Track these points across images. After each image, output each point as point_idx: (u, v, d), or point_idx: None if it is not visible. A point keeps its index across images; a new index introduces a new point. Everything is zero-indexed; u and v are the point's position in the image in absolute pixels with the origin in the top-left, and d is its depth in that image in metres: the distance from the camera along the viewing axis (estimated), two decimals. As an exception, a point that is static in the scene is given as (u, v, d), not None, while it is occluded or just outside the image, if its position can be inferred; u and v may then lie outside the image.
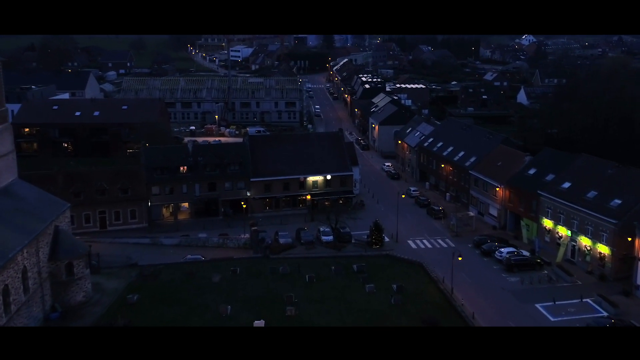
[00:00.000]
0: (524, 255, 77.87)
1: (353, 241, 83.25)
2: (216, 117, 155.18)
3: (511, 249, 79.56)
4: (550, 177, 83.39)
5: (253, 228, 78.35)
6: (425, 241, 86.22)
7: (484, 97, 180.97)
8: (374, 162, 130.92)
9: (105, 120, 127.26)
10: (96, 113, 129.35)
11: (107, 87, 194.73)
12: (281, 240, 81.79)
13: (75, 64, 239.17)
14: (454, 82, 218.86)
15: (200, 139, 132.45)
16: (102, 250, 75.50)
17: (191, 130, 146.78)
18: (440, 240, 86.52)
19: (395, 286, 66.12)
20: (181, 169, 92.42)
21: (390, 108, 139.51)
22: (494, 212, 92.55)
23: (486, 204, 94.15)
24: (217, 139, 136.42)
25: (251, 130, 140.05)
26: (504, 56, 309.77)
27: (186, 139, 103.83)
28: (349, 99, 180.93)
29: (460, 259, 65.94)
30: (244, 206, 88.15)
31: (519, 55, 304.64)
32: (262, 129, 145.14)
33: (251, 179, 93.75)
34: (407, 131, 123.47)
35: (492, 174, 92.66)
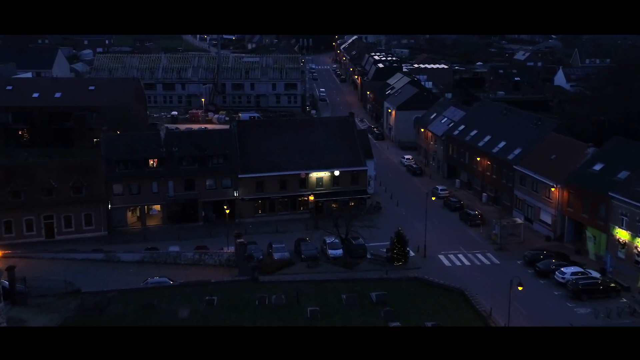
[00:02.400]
0: (594, 277, 63.41)
1: (369, 256, 70.05)
2: (202, 100, 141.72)
3: (576, 269, 65.16)
4: (623, 174, 68.87)
5: (238, 241, 63.93)
6: (461, 256, 72.44)
7: (516, 79, 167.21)
8: (391, 154, 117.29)
9: (68, 103, 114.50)
10: (58, 95, 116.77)
11: (80, 67, 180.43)
12: (275, 255, 68.54)
13: (47, 41, 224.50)
14: (479, 63, 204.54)
15: (183, 126, 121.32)
16: (38, 270, 61.29)
17: (173, 116, 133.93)
18: (479, 255, 72.60)
19: (429, 325, 51.55)
20: (150, 162, 79.50)
21: (410, 90, 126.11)
22: (546, 218, 78.14)
23: (536, 208, 79.74)
24: (203, 126, 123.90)
25: (244, 116, 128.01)
26: (532, 35, 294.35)
27: (165, 127, 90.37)
28: (359, 81, 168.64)
29: (520, 289, 51.21)
30: (227, 212, 73.72)
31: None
32: (257, 114, 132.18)
33: (239, 176, 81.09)
34: (432, 117, 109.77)
35: (544, 170, 78.29)
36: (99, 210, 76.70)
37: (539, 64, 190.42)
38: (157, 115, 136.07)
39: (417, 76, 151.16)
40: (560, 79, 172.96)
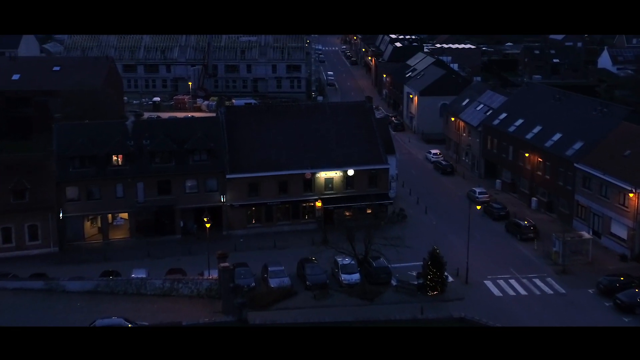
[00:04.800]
0: (698, 316, 50.43)
1: (394, 283, 57.96)
2: (190, 84, 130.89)
3: (672, 303, 52.15)
4: None
5: (223, 265, 51.14)
6: (513, 282, 60.16)
7: (554, 61, 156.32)
8: (413, 148, 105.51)
9: (27, 86, 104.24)
10: (16, 77, 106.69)
11: (54, 47, 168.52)
12: (272, 282, 56.43)
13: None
14: (509, 43, 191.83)
15: (166, 115, 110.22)
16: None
17: (155, 102, 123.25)
18: (537, 281, 60.32)
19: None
20: (115, 158, 68.43)
21: (435, 72, 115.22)
22: (620, 231, 65.20)
23: (606, 218, 66.95)
24: (190, 114, 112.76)
25: (238, 102, 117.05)
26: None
27: (134, 114, 79.69)
28: (373, 62, 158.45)
29: None
30: (208, 225, 60.64)
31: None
32: (253, 101, 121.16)
33: (228, 176, 70.29)
34: (463, 103, 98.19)
35: (617, 170, 65.60)
36: (47, 221, 65.39)
37: (579, 44, 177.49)
38: (137, 102, 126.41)
39: (441, 57, 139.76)
40: (605, 61, 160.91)
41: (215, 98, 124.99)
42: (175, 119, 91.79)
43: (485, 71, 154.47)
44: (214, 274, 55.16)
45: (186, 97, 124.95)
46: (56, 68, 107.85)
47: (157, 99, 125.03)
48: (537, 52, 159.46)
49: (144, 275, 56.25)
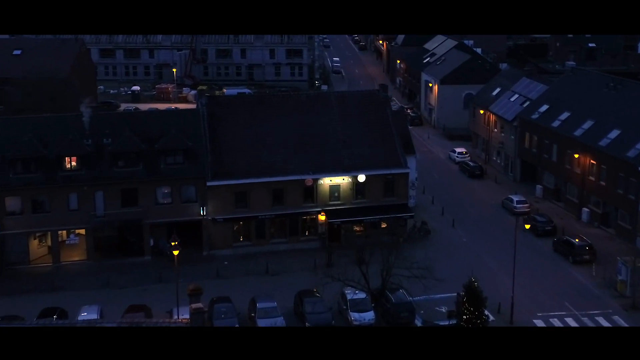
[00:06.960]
0: None
1: (419, 324, 49.84)
2: (174, 70, 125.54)
3: None
4: None
5: (195, 307, 41.01)
6: (570, 321, 51.07)
7: (590, 45, 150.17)
8: (434, 145, 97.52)
9: None
10: None
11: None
12: (261, 324, 47.63)
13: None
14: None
15: (146, 107, 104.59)
16: None
17: (134, 92, 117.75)
18: (601, 320, 51.28)
19: None
20: (67, 161, 60.65)
21: (458, 56, 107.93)
22: (700, 254, 55.63)
23: (681, 237, 57.20)
24: (174, 106, 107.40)
25: (230, 92, 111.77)
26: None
27: (90, 105, 72.20)
28: (384, 47, 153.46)
29: None
30: (175, 252, 50.35)
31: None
32: (248, 90, 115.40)
33: (209, 183, 62.90)
34: (494, 93, 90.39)
35: (696, 176, 55.79)
36: (-20, 240, 57.21)
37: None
38: (115, 91, 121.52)
39: (462, 41, 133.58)
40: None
41: (205, 87, 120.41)
42: (144, 111, 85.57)
43: (512, 57, 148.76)
44: (186, 314, 45.42)
45: (170, 86, 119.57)
46: (17, 52, 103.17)
47: (136, 88, 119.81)
48: (570, 35, 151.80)
49: (95, 316, 46.99)
